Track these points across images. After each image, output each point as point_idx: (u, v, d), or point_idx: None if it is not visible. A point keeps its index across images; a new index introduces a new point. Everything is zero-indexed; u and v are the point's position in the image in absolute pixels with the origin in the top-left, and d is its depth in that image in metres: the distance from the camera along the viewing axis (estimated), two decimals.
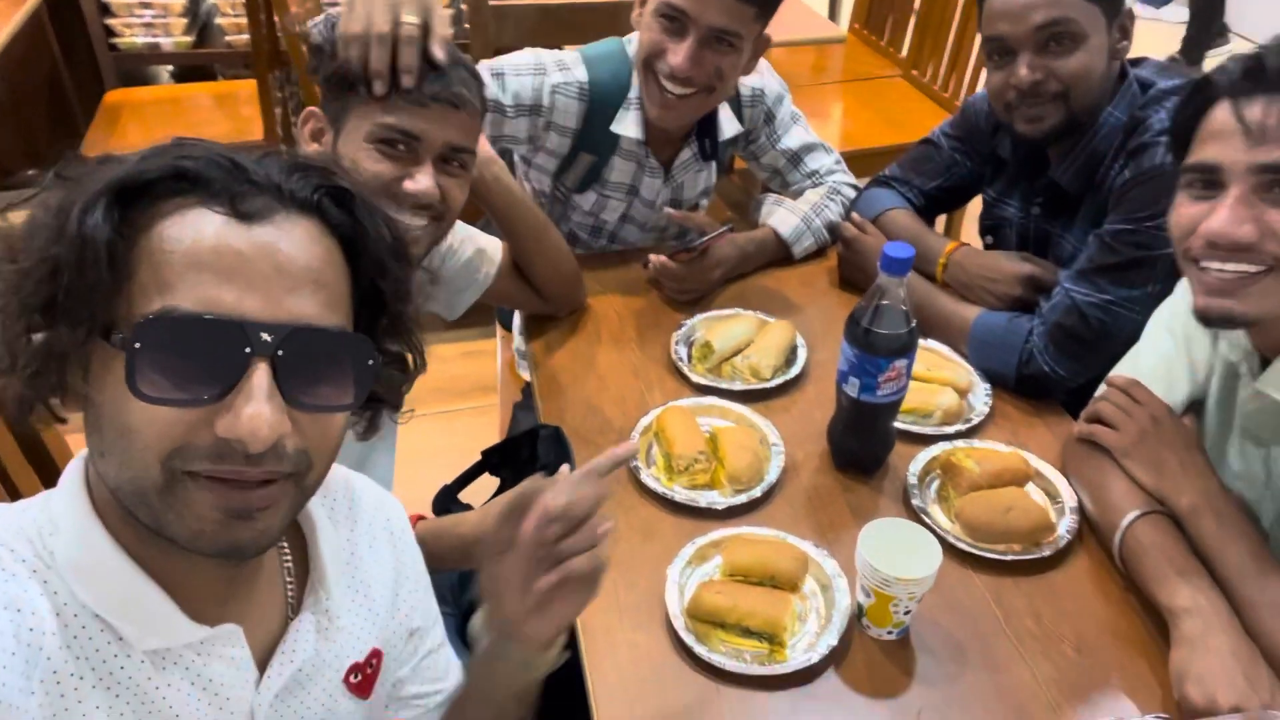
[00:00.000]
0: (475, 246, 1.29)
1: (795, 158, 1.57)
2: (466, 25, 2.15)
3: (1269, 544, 0.93)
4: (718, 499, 1.08)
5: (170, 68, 3.16)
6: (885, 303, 1.01)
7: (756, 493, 1.08)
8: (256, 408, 0.53)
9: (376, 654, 0.73)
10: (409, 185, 0.98)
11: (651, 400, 1.23)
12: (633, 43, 1.43)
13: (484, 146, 1.19)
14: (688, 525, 1.05)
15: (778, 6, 1.32)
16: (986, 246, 1.46)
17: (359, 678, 0.71)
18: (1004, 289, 1.30)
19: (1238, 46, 4.33)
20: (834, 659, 0.91)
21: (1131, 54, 1.26)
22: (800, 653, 0.91)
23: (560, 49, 1.45)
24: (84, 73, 2.82)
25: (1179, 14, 4.70)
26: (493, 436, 1.83)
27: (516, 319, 1.58)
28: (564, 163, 1.47)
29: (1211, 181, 0.87)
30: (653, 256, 1.41)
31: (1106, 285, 1.18)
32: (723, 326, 1.33)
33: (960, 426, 1.19)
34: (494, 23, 2.08)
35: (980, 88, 1.46)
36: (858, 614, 0.94)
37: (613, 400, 1.24)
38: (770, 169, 1.60)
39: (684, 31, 1.27)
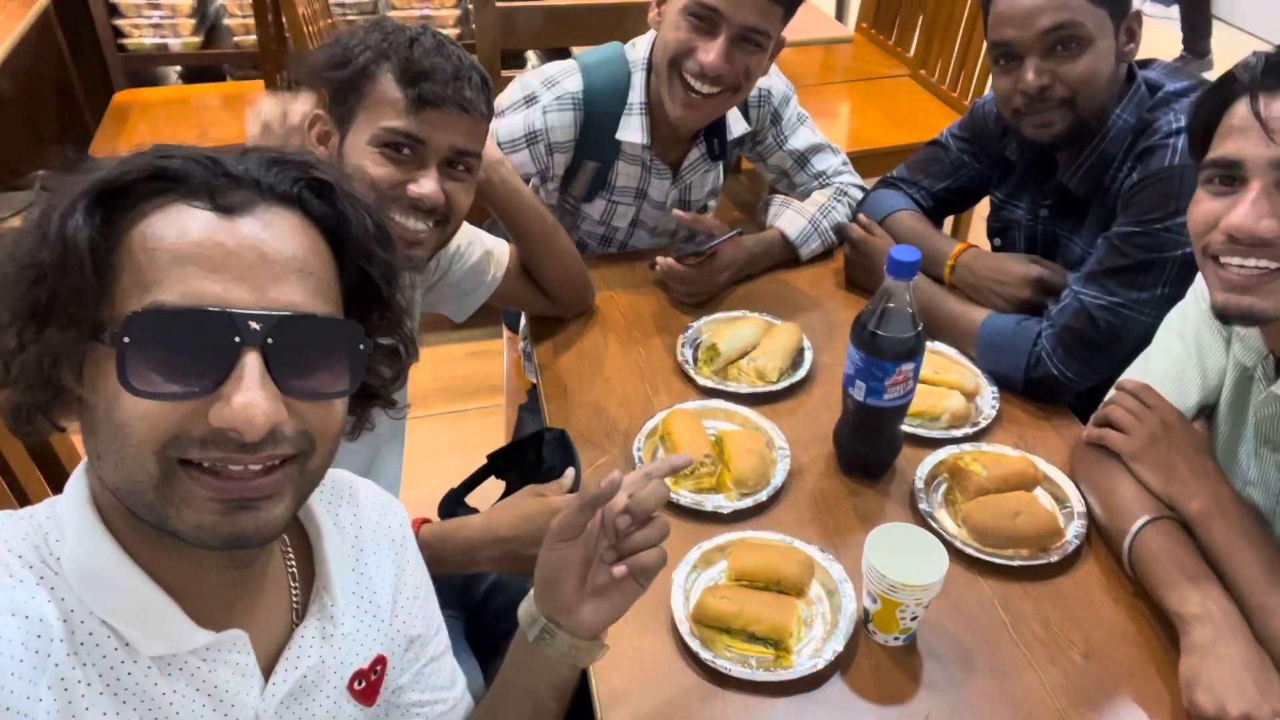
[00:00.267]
0: (483, 249, 1.29)
1: (802, 158, 1.57)
2: (473, 26, 2.15)
3: None
4: (723, 503, 1.08)
5: (178, 68, 3.17)
6: (891, 306, 1.00)
7: (762, 497, 1.08)
8: (248, 396, 0.53)
9: (381, 660, 0.73)
10: (413, 189, 0.98)
11: (657, 403, 1.23)
12: (635, 47, 1.43)
13: (491, 148, 1.19)
14: (693, 529, 1.05)
15: (799, 6, 1.32)
16: (995, 249, 1.45)
17: (363, 684, 0.71)
18: (1012, 291, 1.30)
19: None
20: (840, 665, 0.91)
21: (1144, 54, 1.25)
22: (806, 658, 0.91)
23: (567, 50, 1.45)
24: (92, 73, 2.83)
25: None
26: (499, 438, 1.83)
27: (522, 320, 1.58)
28: (569, 173, 1.47)
29: (1231, 177, 0.86)
30: (660, 259, 1.40)
31: (1115, 287, 1.18)
32: (729, 329, 1.32)
33: (968, 430, 1.18)
34: (500, 24, 2.08)
35: (989, 89, 1.45)
36: (864, 619, 0.94)
37: (618, 402, 1.24)
38: (777, 170, 1.60)
39: (715, 30, 1.27)
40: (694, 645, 0.90)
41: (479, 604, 1.22)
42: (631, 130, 1.41)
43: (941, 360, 1.28)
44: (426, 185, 0.98)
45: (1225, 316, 0.90)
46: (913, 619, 0.91)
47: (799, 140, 1.56)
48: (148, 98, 2.60)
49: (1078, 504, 1.07)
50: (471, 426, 2.19)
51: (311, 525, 0.70)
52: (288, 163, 0.60)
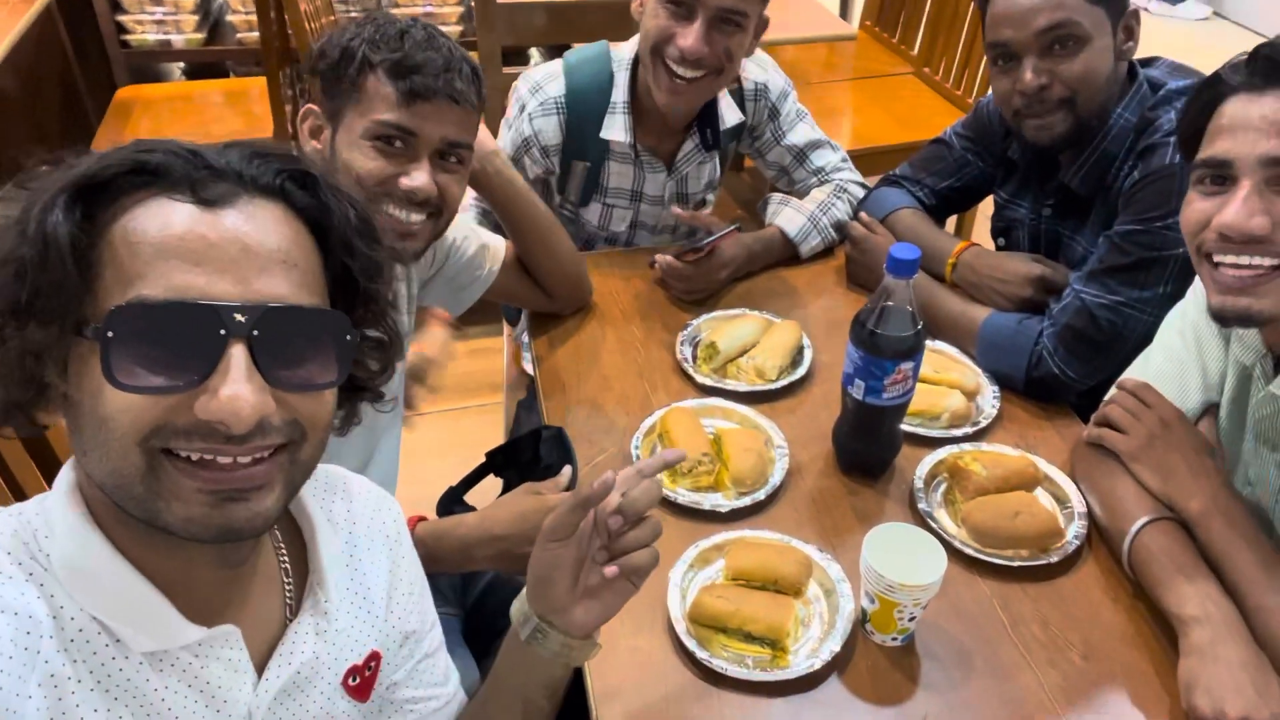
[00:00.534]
0: (479, 242, 1.29)
1: (801, 154, 1.56)
2: (474, 23, 2.15)
3: None
4: (721, 502, 1.08)
5: (181, 65, 3.17)
6: (891, 304, 1.00)
7: (760, 495, 1.08)
8: (234, 388, 0.53)
9: (375, 656, 0.73)
10: (405, 182, 0.98)
11: (656, 401, 1.23)
12: (622, 46, 1.44)
13: (486, 138, 1.19)
14: (690, 528, 1.04)
15: None
16: (999, 249, 1.45)
17: (357, 680, 0.71)
18: (1014, 290, 1.29)
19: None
20: (837, 665, 0.90)
21: (1148, 53, 1.24)
22: (803, 658, 0.90)
23: (569, 48, 1.46)
24: (95, 70, 2.84)
25: (1195, 11, 4.66)
26: (499, 436, 1.83)
27: (523, 316, 1.58)
28: (561, 176, 1.48)
29: (1222, 176, 0.87)
30: (659, 256, 1.40)
31: (1117, 286, 1.17)
32: (728, 327, 1.32)
33: (968, 429, 1.18)
34: (502, 21, 2.08)
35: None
36: (862, 620, 0.93)
37: (616, 400, 1.24)
38: (776, 166, 1.60)
39: (692, 15, 1.29)
40: (690, 644, 0.90)
41: (476, 601, 1.22)
42: (615, 129, 1.43)
43: (942, 359, 1.28)
44: (418, 177, 0.98)
45: (1222, 319, 0.90)
46: (911, 619, 0.90)
47: (797, 136, 1.56)
48: (150, 94, 2.61)
49: (1078, 504, 1.06)
50: (472, 424, 2.19)
51: (305, 520, 0.70)
52: (270, 155, 0.59)
